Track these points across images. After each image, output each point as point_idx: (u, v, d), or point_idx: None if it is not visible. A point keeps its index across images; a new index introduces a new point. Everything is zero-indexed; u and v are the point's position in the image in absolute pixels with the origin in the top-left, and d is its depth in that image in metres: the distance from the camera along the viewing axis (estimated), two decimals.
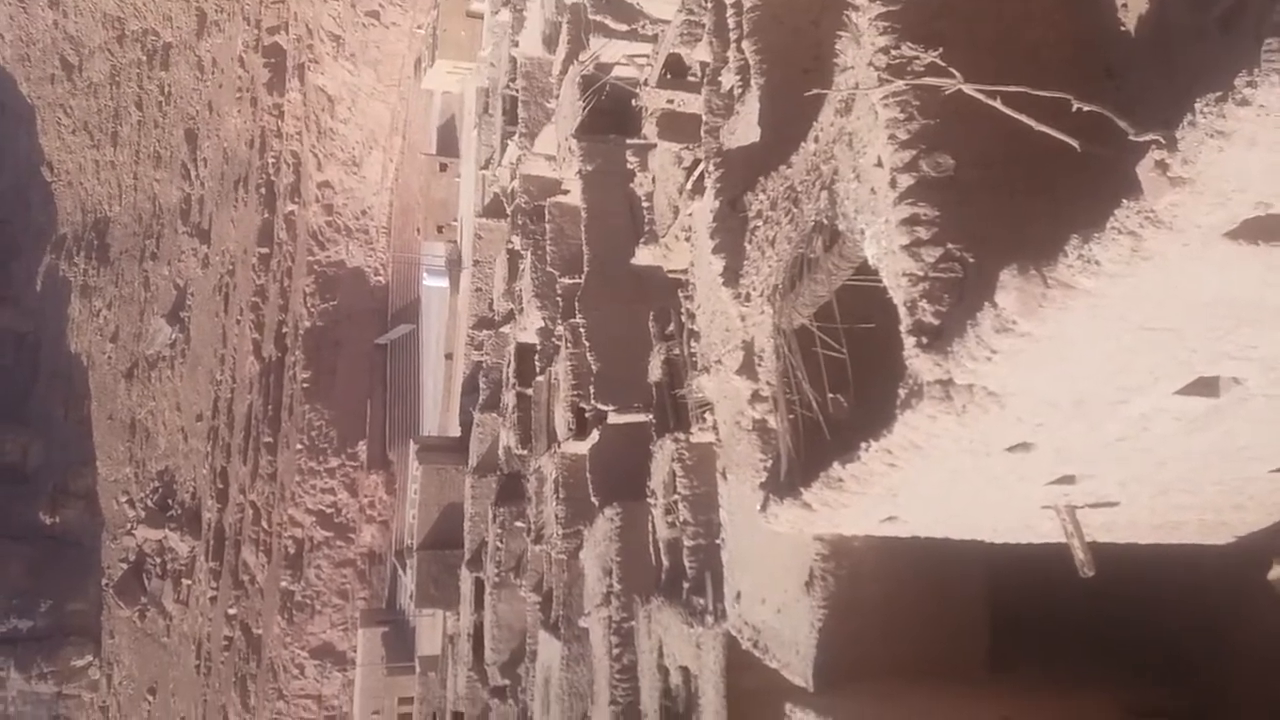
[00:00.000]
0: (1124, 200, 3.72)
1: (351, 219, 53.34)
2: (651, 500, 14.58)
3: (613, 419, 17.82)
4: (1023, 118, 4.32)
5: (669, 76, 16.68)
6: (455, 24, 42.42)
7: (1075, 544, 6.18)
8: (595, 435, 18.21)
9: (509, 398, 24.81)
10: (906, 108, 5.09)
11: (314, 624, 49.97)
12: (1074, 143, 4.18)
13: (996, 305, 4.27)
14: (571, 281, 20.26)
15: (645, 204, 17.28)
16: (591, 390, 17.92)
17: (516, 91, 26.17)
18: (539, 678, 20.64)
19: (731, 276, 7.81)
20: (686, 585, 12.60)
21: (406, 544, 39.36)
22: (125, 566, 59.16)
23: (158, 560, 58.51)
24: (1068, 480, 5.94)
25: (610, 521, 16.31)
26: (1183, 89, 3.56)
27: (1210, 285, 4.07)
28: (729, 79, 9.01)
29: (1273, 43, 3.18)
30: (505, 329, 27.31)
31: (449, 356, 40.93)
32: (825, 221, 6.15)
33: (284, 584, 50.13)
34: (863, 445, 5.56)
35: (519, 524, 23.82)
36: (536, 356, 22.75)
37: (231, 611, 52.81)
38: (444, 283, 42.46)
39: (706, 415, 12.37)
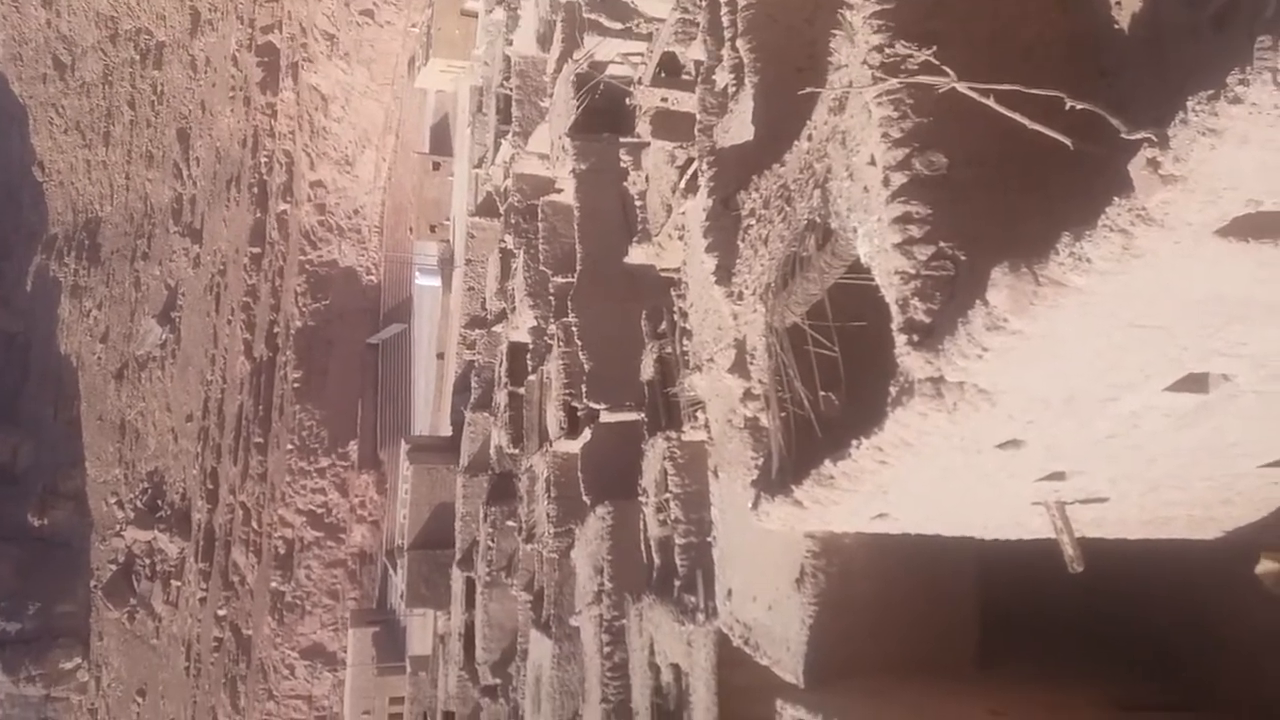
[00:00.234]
0: (1116, 198, 3.73)
1: (344, 218, 53.21)
2: (643, 498, 14.59)
3: (605, 417, 17.81)
4: (1016, 116, 4.34)
5: (663, 75, 16.71)
6: (449, 22, 42.39)
7: (1065, 540, 6.21)
8: (587, 434, 18.20)
9: (501, 397, 24.81)
10: (900, 106, 5.11)
11: (304, 624, 49.80)
12: (1067, 141, 4.20)
13: (988, 303, 4.28)
14: (564, 280, 20.24)
15: (638, 203, 17.33)
16: (583, 389, 17.92)
17: (510, 90, 26.21)
18: (530, 676, 20.63)
19: (724, 275, 7.82)
20: (678, 583, 12.61)
21: (397, 544, 39.22)
22: (114, 568, 58.81)
23: (147, 561, 58.18)
24: (1058, 477, 5.97)
25: (602, 520, 16.32)
26: (1175, 87, 3.58)
27: (1201, 282, 4.09)
28: (723, 77, 9.05)
29: (1265, 40, 3.20)
30: (498, 328, 27.28)
31: (441, 356, 40.89)
32: (818, 220, 6.17)
33: (274, 584, 49.92)
34: (854, 443, 5.57)
35: (510, 523, 23.80)
36: (529, 355, 22.73)
37: (221, 612, 52.57)
38: (436, 282, 42.44)
39: (698, 414, 12.37)
